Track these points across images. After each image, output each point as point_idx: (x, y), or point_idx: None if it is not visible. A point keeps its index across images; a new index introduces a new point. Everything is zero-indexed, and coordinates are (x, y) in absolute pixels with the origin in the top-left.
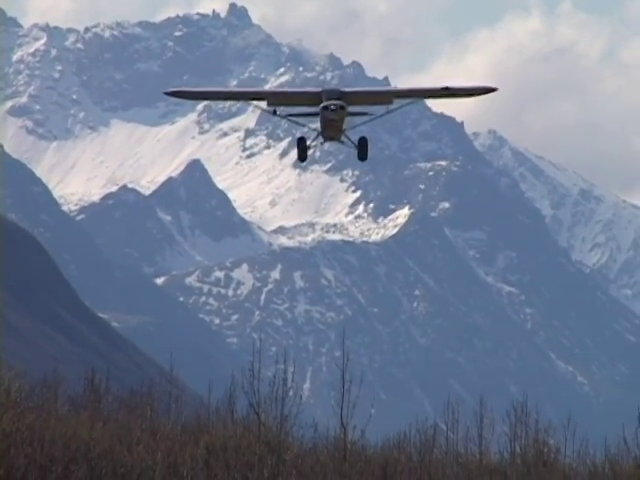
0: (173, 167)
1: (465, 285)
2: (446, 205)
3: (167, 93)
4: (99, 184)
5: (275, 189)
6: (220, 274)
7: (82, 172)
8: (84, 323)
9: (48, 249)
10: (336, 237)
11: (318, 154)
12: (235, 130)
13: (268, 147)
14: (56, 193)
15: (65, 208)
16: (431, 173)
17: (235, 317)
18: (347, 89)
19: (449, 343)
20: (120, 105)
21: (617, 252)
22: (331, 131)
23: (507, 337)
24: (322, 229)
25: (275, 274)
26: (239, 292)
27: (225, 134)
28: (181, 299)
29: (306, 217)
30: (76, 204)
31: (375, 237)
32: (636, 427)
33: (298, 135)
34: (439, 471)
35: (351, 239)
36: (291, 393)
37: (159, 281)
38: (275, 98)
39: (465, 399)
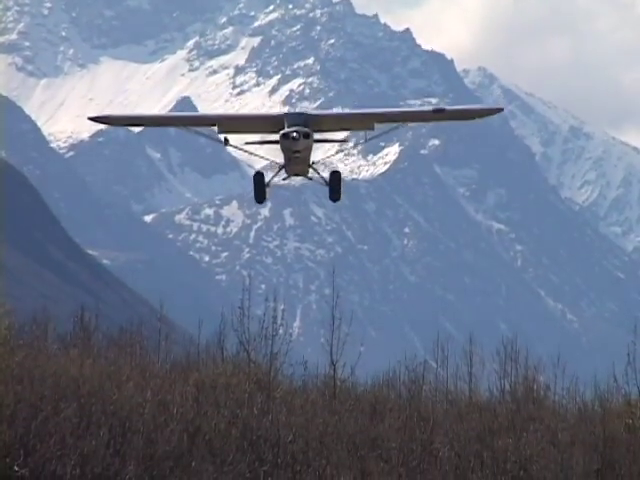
0: (163, 104)
1: (455, 223)
2: (436, 142)
3: (91, 118)
4: (88, 121)
5: None
6: (210, 211)
7: (71, 109)
8: (74, 260)
9: (37, 186)
10: (325, 175)
11: (307, 91)
12: (225, 67)
13: (258, 84)
14: (45, 130)
15: (54, 145)
16: None
17: (225, 254)
18: (315, 112)
19: (439, 281)
20: (109, 42)
21: (607, 189)
22: (295, 164)
23: (497, 275)
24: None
25: (264, 211)
26: (228, 229)
27: (215, 71)
28: (170, 236)
29: None
30: (65, 141)
31: (365, 174)
32: (626, 364)
33: (256, 170)
34: (429, 408)
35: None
36: (281, 331)
37: (148, 218)
38: (227, 124)
39: (455, 336)
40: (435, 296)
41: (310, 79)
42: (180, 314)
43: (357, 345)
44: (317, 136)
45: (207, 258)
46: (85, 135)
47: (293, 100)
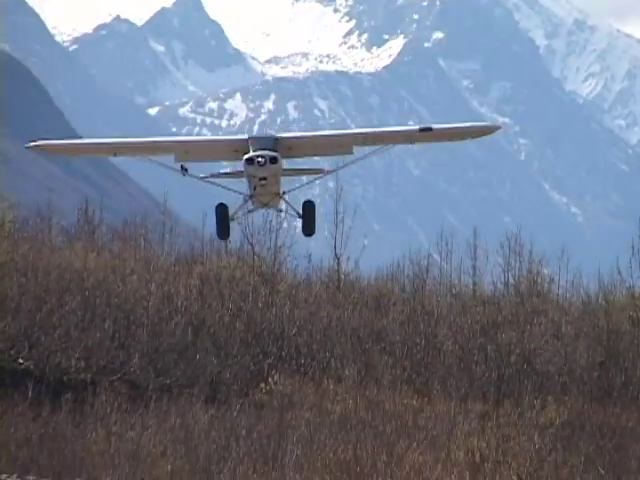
0: None
1: (459, 116)
2: (440, 35)
3: (30, 147)
4: (92, 14)
5: (268, 19)
6: (213, 104)
7: (75, 2)
8: None
9: (42, 79)
10: (329, 67)
11: None
12: None
13: None
14: (49, 24)
15: (58, 39)
16: (425, 3)
17: None
18: (284, 134)
19: (443, 174)
20: None
21: (611, 82)
22: (263, 195)
23: (501, 168)
24: (315, 59)
25: (268, 104)
26: (232, 122)
27: None
28: (174, 129)
29: (299, 47)
30: (69, 34)
31: (369, 67)
32: (630, 257)
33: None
34: (433, 302)
35: (345, 69)
36: (285, 225)
37: (152, 111)
38: (184, 152)
39: (459, 230)
40: (439, 190)
41: None
42: (184, 207)
43: (361, 238)
44: (287, 165)
45: None
46: (89, 28)
47: None
